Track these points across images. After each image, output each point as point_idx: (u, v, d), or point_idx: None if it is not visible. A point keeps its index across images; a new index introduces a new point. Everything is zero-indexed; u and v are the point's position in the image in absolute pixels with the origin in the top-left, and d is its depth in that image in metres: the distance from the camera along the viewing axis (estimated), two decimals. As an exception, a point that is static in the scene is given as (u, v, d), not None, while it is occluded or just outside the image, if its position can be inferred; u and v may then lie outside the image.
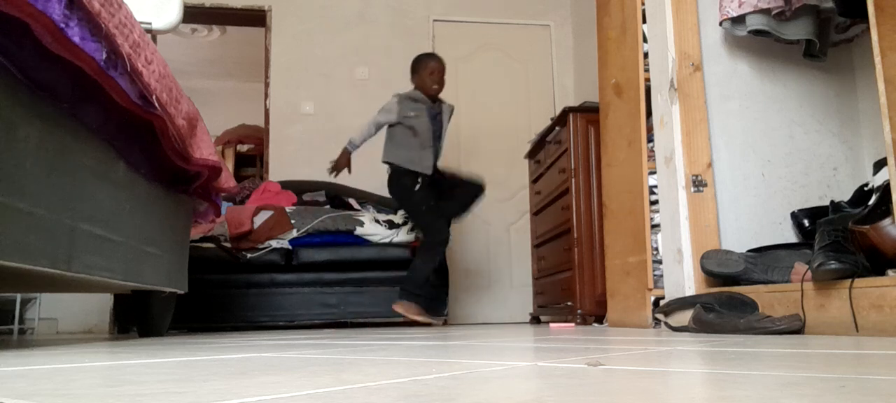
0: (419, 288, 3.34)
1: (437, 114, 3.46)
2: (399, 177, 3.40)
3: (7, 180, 1.32)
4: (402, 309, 3.30)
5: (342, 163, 3.39)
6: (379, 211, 4.09)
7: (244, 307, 3.67)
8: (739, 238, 2.39)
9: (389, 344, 1.51)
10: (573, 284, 3.39)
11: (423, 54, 3.55)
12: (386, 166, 3.44)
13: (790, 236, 2.42)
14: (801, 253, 2.07)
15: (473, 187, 3.56)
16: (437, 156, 3.47)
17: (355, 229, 3.74)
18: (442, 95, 3.53)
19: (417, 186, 3.37)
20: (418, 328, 3.28)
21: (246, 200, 4.21)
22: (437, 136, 3.46)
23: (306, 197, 4.27)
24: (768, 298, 1.95)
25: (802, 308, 1.80)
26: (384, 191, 3.62)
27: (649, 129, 2.62)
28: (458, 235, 4.78)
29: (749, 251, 2.26)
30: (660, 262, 2.53)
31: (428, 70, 3.42)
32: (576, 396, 0.56)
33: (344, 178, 3.75)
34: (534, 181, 4.23)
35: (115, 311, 3.47)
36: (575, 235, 3.39)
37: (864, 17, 1.77)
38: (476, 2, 5.15)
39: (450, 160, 4.88)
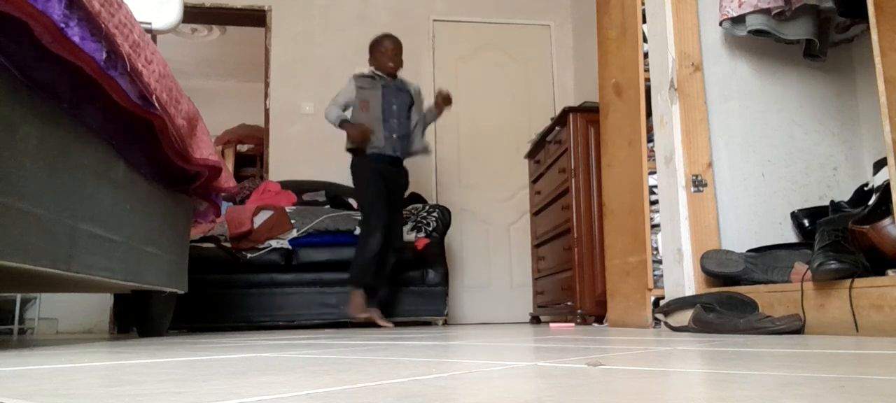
0: (360, 277, 3.35)
1: (399, 91, 3.47)
2: (355, 157, 3.42)
3: (7, 180, 1.32)
4: (349, 305, 3.37)
5: (363, 136, 3.34)
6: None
7: (244, 307, 3.67)
8: (739, 238, 2.39)
9: (389, 344, 1.51)
10: (573, 284, 3.39)
11: (378, 36, 3.56)
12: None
13: (790, 236, 2.42)
14: (801, 253, 2.07)
15: (396, 245, 3.49)
16: (404, 137, 3.45)
17: (355, 229, 3.74)
18: (446, 95, 3.49)
19: (365, 157, 3.37)
20: (418, 328, 3.28)
21: (246, 200, 4.21)
22: (404, 116, 3.46)
23: (306, 197, 4.27)
24: (768, 298, 1.95)
25: (802, 308, 1.80)
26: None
27: (649, 129, 2.62)
28: (458, 235, 4.78)
29: (749, 251, 2.26)
30: (660, 262, 2.53)
31: (380, 49, 3.47)
32: (576, 396, 0.56)
33: (343, 179, 3.75)
34: (534, 181, 4.23)
35: (115, 311, 3.47)
36: (575, 235, 3.39)
37: (864, 17, 1.77)
38: (476, 2, 5.15)
39: (450, 160, 4.89)
